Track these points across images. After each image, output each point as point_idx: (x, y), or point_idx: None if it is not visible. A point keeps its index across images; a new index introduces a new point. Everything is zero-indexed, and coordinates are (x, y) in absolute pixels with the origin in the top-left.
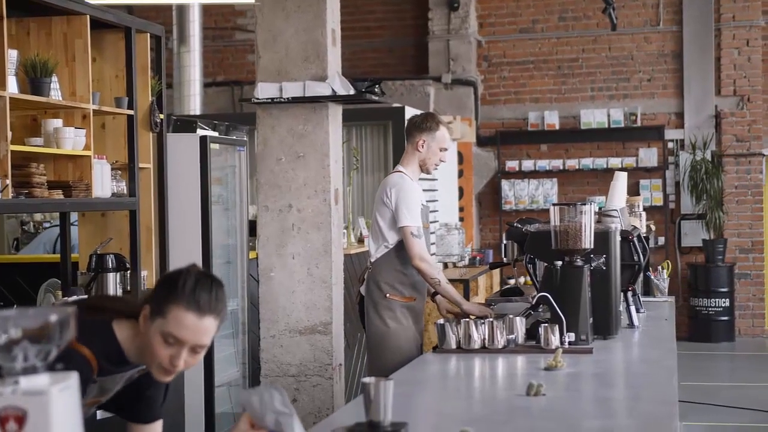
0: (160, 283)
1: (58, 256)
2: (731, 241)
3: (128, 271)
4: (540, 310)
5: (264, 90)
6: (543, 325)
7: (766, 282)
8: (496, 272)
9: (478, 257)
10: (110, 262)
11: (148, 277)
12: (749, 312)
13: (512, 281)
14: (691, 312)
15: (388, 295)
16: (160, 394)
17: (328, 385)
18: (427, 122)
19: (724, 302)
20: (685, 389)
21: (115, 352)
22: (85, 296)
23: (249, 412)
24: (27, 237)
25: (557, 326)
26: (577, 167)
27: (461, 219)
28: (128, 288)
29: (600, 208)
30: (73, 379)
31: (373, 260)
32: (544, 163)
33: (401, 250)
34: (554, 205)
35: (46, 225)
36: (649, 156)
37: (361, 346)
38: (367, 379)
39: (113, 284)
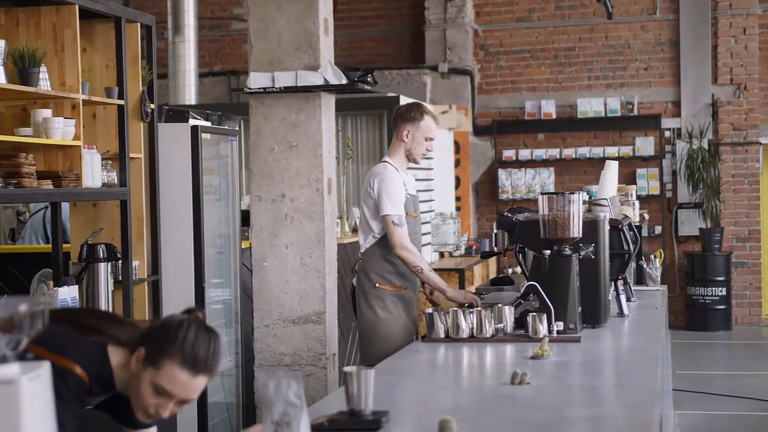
0: (159, 329)
1: (51, 247)
2: (728, 230)
3: (119, 261)
4: (530, 299)
5: (256, 80)
6: (531, 314)
7: (762, 271)
8: (493, 262)
9: (474, 247)
10: (101, 252)
11: (140, 267)
12: (746, 301)
13: (509, 270)
14: (687, 301)
15: (377, 284)
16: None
17: (321, 374)
18: (411, 112)
19: (721, 291)
20: (682, 378)
21: (106, 378)
22: (78, 307)
23: (260, 395)
24: (23, 227)
25: (545, 315)
26: (573, 156)
27: (458, 208)
28: (119, 278)
29: (590, 197)
30: (44, 368)
31: (362, 251)
32: (540, 153)
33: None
34: (543, 194)
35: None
36: (645, 145)
37: (355, 335)
38: (348, 369)
39: (104, 274)
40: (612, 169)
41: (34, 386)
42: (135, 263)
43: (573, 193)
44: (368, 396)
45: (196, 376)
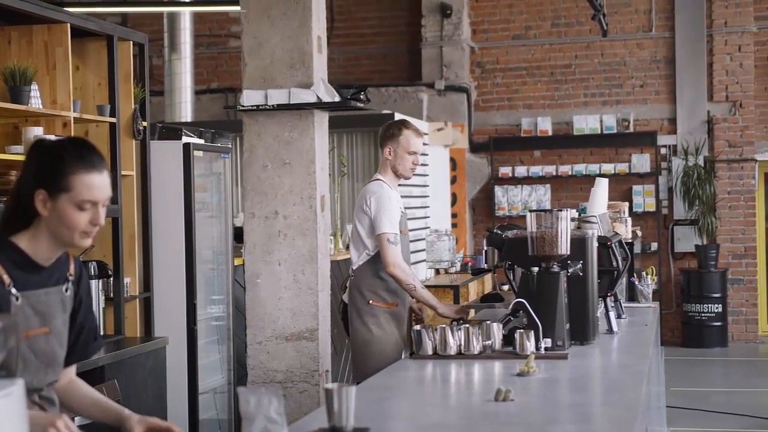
0: (40, 163)
1: None
2: (724, 247)
3: (111, 278)
4: (518, 315)
5: (250, 97)
6: (519, 330)
7: (758, 287)
8: (488, 278)
9: (469, 263)
10: (93, 269)
11: (131, 284)
12: (742, 317)
13: (506, 287)
14: (684, 317)
15: (371, 301)
16: (94, 325)
17: (314, 391)
18: (389, 130)
19: (717, 308)
20: (677, 395)
21: (22, 259)
22: None
23: (241, 409)
24: None
25: (533, 332)
26: (570, 173)
27: (454, 225)
28: (111, 295)
29: (580, 214)
30: (17, 386)
31: (354, 267)
32: (537, 169)
33: None
34: (531, 211)
35: None
36: (641, 162)
37: (348, 352)
38: (329, 386)
39: (96, 291)
40: (602, 187)
41: (7, 404)
42: (126, 280)
43: (561, 210)
44: (349, 413)
45: (102, 173)
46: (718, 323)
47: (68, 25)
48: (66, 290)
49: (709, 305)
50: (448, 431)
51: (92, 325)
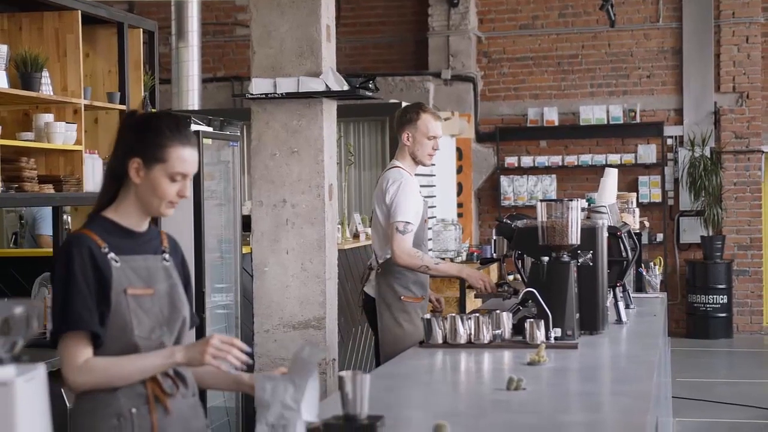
0: (137, 133)
1: (52, 250)
2: (729, 238)
3: None
4: (528, 305)
5: (258, 85)
6: (529, 320)
7: (764, 278)
8: (495, 268)
9: (476, 253)
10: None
11: None
12: (747, 308)
13: (510, 277)
14: (689, 308)
15: (402, 297)
16: (190, 289)
17: (321, 380)
18: (407, 114)
19: (722, 299)
20: (682, 385)
21: (113, 227)
22: None
23: (257, 396)
24: (24, 231)
25: (543, 321)
26: (576, 164)
27: (460, 215)
28: None
29: (589, 204)
30: (39, 370)
31: (381, 261)
32: (543, 160)
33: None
34: (541, 201)
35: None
36: (648, 152)
37: (354, 341)
38: (343, 373)
39: None
40: (611, 177)
41: (30, 388)
42: None
43: (571, 200)
44: (363, 400)
45: (194, 148)
46: (723, 314)
47: (79, 12)
48: (165, 260)
49: (715, 296)
50: (461, 419)
51: (193, 296)
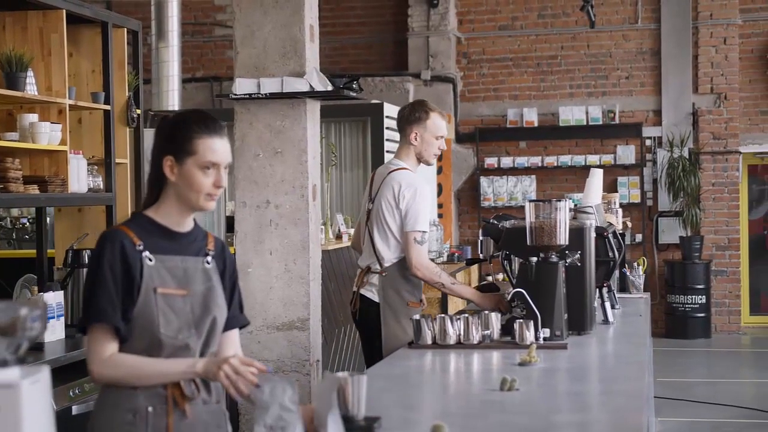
0: (167, 133)
1: (34, 251)
2: (708, 238)
3: None
4: (515, 305)
5: (242, 86)
6: (518, 321)
7: (741, 279)
8: (474, 269)
9: (456, 254)
10: (87, 257)
11: None
12: (725, 309)
13: (489, 278)
14: (668, 308)
15: (409, 303)
16: (241, 298)
17: (305, 381)
18: (414, 112)
19: (701, 299)
20: (662, 385)
21: (153, 226)
22: None
23: (255, 398)
24: (3, 233)
25: (532, 322)
26: (555, 164)
27: (440, 216)
28: None
29: (576, 205)
30: (43, 372)
31: (386, 264)
32: (522, 160)
33: None
34: (530, 201)
35: (24, 221)
36: (627, 153)
37: (337, 342)
38: (341, 374)
39: None
40: (597, 177)
41: (35, 390)
42: None
43: (560, 201)
44: (361, 402)
45: (223, 138)
46: (702, 314)
47: (64, 11)
48: (207, 263)
49: (693, 296)
50: (457, 420)
51: (240, 298)
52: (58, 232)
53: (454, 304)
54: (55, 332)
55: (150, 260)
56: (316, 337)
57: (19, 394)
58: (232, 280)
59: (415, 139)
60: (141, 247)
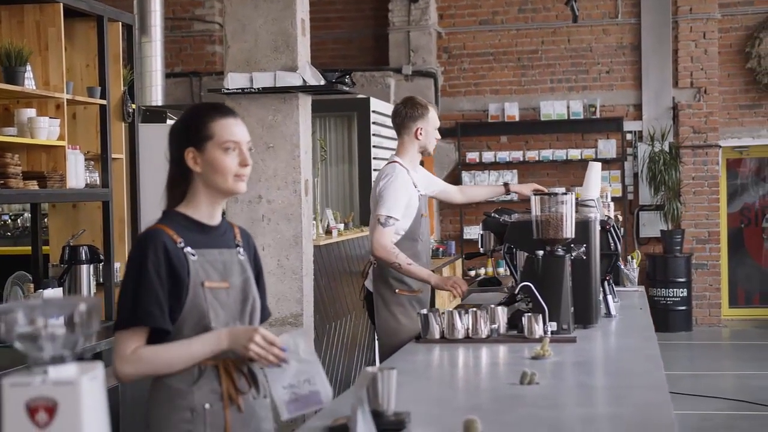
0: (181, 128)
1: (29, 248)
2: (688, 232)
3: (101, 263)
4: (519, 299)
5: (234, 80)
6: (526, 314)
7: (722, 272)
8: (458, 263)
9: (440, 249)
10: (83, 253)
11: (122, 268)
12: (706, 302)
13: (472, 272)
14: (649, 302)
15: (397, 290)
16: (262, 282)
17: None
18: (416, 109)
19: (682, 292)
20: None
21: (187, 222)
22: None
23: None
24: (2, 228)
25: (540, 316)
26: (537, 159)
27: None
28: (101, 280)
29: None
30: (99, 369)
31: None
32: (504, 155)
33: (406, 243)
34: (535, 194)
35: (5, 218)
36: (608, 147)
37: (329, 338)
38: (370, 369)
39: (86, 276)
40: (595, 171)
41: (93, 386)
42: (117, 265)
43: (565, 194)
44: (391, 396)
45: (236, 117)
46: (683, 307)
47: (61, 5)
48: (240, 254)
49: (674, 290)
50: (484, 415)
51: (264, 290)
52: (53, 229)
53: (441, 299)
54: None
55: (193, 255)
56: (309, 333)
57: (79, 390)
58: (257, 270)
59: (420, 134)
60: (182, 244)
